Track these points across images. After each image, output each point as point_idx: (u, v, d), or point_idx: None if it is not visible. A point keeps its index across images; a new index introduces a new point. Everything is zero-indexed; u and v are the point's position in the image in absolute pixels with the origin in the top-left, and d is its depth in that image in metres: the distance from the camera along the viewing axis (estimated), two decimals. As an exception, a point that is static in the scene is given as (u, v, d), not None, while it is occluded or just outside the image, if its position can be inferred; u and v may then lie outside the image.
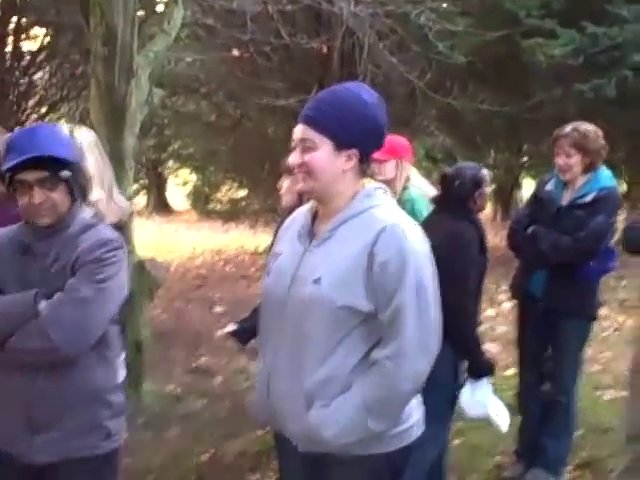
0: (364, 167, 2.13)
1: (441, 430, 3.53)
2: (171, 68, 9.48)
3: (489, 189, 3.65)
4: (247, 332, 3.46)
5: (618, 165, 12.38)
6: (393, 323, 2.02)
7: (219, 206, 14.57)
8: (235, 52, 9.01)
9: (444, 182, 3.56)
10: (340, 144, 2.05)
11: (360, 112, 2.05)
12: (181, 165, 16.43)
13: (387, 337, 2.04)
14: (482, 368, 3.44)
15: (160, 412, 4.91)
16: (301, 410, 2.08)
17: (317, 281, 2.04)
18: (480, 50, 9.76)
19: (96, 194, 2.66)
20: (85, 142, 2.74)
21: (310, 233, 2.17)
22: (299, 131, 2.08)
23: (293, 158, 2.10)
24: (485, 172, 3.61)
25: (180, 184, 17.19)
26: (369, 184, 2.16)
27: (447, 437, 3.69)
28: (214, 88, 10.34)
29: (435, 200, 3.66)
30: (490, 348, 6.46)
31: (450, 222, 3.45)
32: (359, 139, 2.06)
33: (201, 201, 15.42)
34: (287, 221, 2.33)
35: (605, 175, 3.91)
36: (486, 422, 3.57)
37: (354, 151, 2.07)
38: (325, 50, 8.93)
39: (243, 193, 13.88)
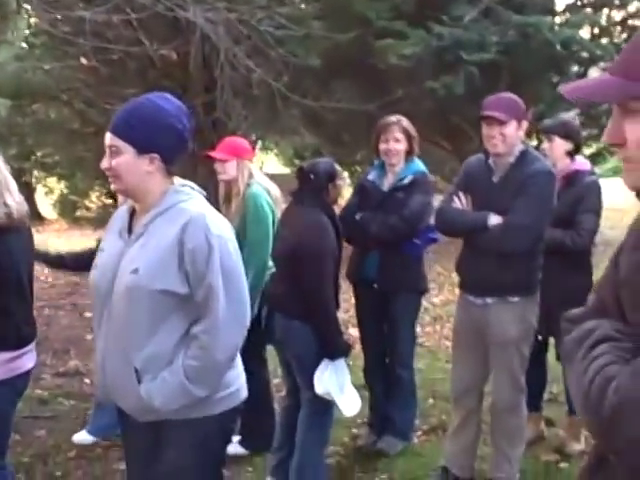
0: (170, 167, 2.40)
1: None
2: (29, 77, 9.42)
3: (343, 182, 3.96)
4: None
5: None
6: (206, 302, 2.32)
7: (88, 213, 14.44)
8: (83, 60, 9.05)
9: (300, 176, 3.82)
10: (141, 149, 2.33)
11: (158, 120, 2.32)
12: (47, 174, 16.15)
13: (202, 315, 2.34)
14: (338, 349, 3.66)
15: (28, 415, 5.00)
16: (133, 385, 2.36)
17: (135, 271, 2.31)
18: (334, 52, 10.17)
19: None
20: None
21: (129, 229, 2.44)
22: (107, 138, 2.35)
23: (103, 163, 2.36)
24: (337, 166, 3.93)
25: (47, 193, 16.86)
26: (177, 182, 2.44)
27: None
28: (74, 95, 10.29)
29: (293, 193, 3.94)
30: (353, 333, 6.86)
31: (306, 213, 3.71)
32: (158, 144, 2.33)
33: (68, 209, 15.20)
34: (111, 219, 2.58)
35: (417, 162, 4.39)
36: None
37: (155, 155, 2.34)
38: (175, 56, 9.10)
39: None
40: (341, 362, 3.70)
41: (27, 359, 3.02)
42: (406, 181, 4.28)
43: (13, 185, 2.94)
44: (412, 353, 4.53)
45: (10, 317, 2.93)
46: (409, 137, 4.34)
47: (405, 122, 4.37)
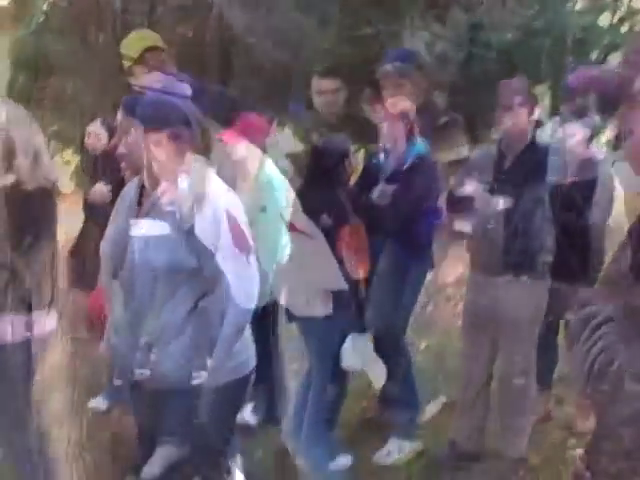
0: (180, 146, 2.45)
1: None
2: (47, 50, 9.41)
3: (355, 160, 3.97)
4: None
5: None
6: (215, 277, 2.39)
7: (104, 187, 14.42)
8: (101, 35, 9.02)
9: (315, 154, 3.86)
10: (148, 129, 2.40)
11: (165, 100, 2.43)
12: (64, 146, 16.15)
13: (211, 289, 2.41)
14: (365, 323, 3.72)
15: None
16: (142, 354, 2.46)
17: (145, 245, 2.39)
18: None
19: (20, 161, 2.87)
20: (11, 114, 2.92)
21: (139, 204, 2.52)
22: (119, 115, 2.43)
23: (114, 140, 2.44)
24: (350, 144, 3.93)
25: (65, 163, 16.83)
26: (189, 158, 2.49)
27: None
28: (92, 70, 10.30)
29: (307, 170, 3.93)
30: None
31: (324, 190, 3.73)
32: (165, 123, 2.41)
33: (86, 181, 15.14)
34: (122, 193, 2.66)
35: (419, 143, 4.27)
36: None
37: (163, 134, 2.41)
38: (191, 34, 9.09)
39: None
40: (366, 335, 3.73)
41: (48, 322, 3.08)
42: (406, 166, 4.19)
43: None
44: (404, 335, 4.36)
45: (46, 278, 2.98)
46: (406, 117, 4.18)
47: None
